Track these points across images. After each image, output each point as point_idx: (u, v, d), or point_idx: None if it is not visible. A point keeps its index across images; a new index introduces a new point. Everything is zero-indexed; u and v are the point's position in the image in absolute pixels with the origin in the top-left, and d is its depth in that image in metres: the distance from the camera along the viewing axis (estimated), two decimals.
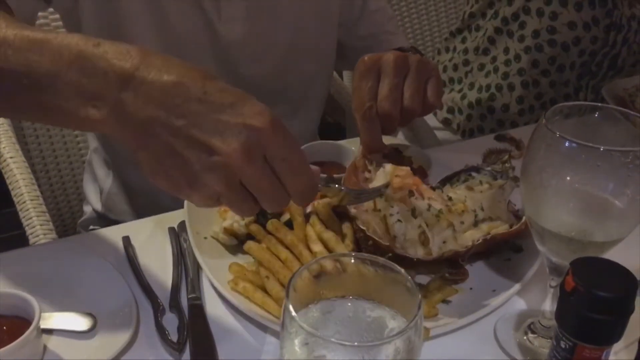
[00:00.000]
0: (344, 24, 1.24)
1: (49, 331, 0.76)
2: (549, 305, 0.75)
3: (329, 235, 0.82)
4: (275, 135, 0.61)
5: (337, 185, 0.77)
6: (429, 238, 0.82)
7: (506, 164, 0.92)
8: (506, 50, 1.45)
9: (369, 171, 0.91)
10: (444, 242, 0.83)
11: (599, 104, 0.72)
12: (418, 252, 0.81)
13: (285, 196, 0.65)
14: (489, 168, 0.93)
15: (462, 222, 0.85)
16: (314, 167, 0.67)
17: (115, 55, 0.61)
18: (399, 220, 0.83)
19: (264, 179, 0.62)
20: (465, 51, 1.54)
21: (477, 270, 0.86)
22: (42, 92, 0.63)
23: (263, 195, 0.64)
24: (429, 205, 0.85)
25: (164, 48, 1.04)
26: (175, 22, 1.04)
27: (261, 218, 0.89)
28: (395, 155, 0.96)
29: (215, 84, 0.62)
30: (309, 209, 0.88)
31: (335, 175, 0.94)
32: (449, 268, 0.83)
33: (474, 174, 0.93)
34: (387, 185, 0.84)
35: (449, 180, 0.94)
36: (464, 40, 1.54)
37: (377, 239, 0.80)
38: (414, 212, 0.84)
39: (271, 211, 0.70)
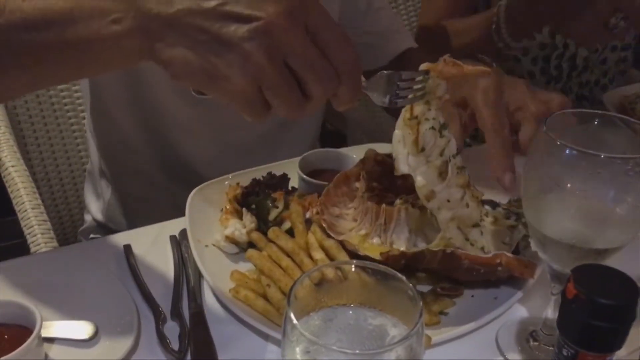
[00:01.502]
0: (348, 20, 1.23)
1: (50, 340, 0.76)
2: (550, 312, 0.75)
3: (330, 243, 0.82)
4: (316, 2, 0.60)
5: (381, 72, 0.71)
6: (448, 172, 0.78)
7: None
8: None
9: (359, 180, 0.90)
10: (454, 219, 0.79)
11: (599, 111, 0.72)
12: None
13: (333, 74, 0.61)
14: (506, 207, 0.88)
15: (467, 206, 0.81)
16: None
17: None
18: (432, 128, 0.77)
19: (309, 48, 0.59)
20: None
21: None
22: (61, 29, 0.64)
23: (310, 71, 0.60)
24: (459, 150, 0.80)
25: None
26: None
27: (262, 226, 0.89)
28: (389, 162, 0.95)
29: None
30: (307, 215, 0.88)
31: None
32: (445, 282, 0.83)
33: (487, 207, 0.88)
34: (427, 72, 0.76)
35: None
36: None
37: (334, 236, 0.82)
38: (444, 126, 0.78)
39: (320, 95, 0.62)
